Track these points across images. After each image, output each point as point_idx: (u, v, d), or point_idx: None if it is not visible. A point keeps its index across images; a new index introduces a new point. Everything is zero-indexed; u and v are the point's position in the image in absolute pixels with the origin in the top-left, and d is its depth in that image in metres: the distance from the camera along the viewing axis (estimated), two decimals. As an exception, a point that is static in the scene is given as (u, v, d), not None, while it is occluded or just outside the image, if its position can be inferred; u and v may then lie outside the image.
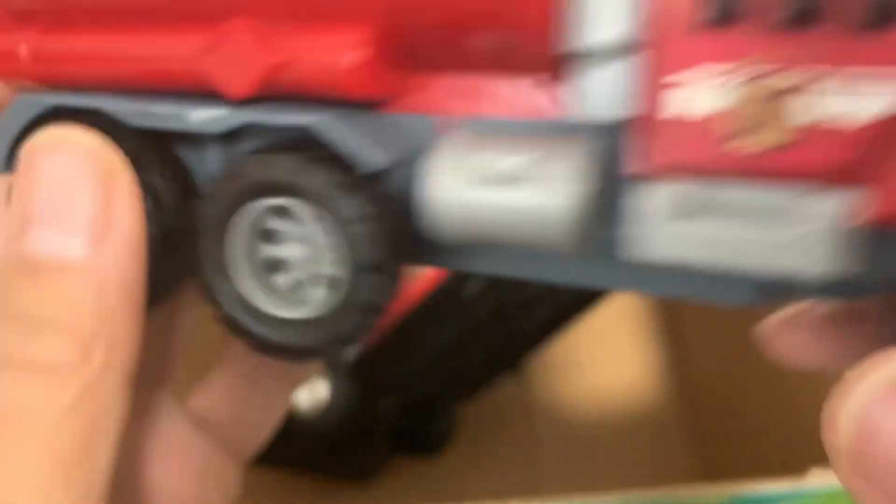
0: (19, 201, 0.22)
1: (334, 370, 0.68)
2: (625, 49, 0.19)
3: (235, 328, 0.24)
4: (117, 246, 0.22)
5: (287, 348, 0.23)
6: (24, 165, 0.23)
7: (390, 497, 0.71)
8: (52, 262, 0.22)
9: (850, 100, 0.18)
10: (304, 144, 0.22)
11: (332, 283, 0.22)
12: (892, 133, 0.18)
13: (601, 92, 0.20)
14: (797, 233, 0.19)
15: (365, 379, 0.68)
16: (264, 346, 0.24)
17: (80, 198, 0.22)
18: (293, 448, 0.72)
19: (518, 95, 0.22)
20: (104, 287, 0.22)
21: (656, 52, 0.19)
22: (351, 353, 0.24)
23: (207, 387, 0.33)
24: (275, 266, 0.24)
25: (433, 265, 0.24)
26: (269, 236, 0.24)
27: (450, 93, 0.22)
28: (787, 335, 0.24)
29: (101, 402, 0.22)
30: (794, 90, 0.18)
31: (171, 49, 0.23)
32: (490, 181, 0.20)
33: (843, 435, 0.19)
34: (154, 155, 0.24)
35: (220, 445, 0.31)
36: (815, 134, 0.18)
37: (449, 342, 0.64)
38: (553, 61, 0.20)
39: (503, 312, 0.62)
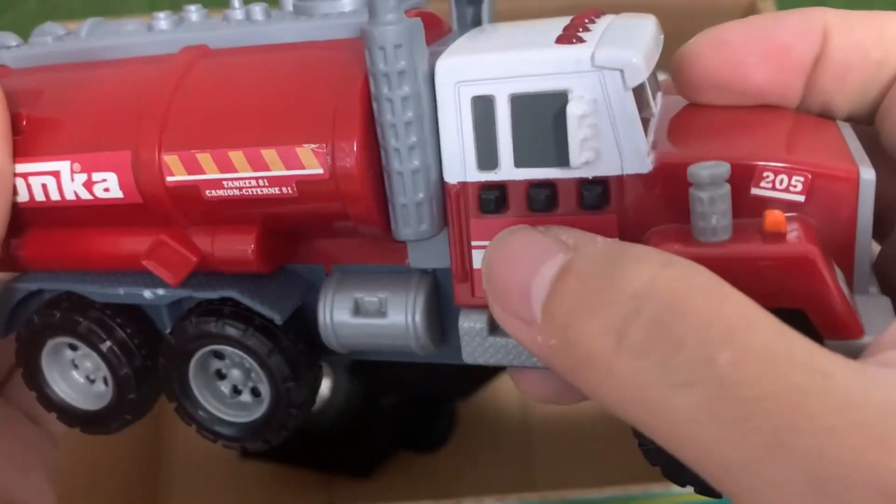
0: None
1: (335, 368, 0.68)
2: (431, 235, 0.29)
3: (207, 433, 0.35)
4: None
5: (245, 441, 0.34)
6: None
7: (390, 492, 0.71)
8: None
9: None
10: (227, 303, 0.32)
11: (267, 395, 0.33)
12: None
13: (423, 253, 0.30)
14: None
15: (365, 376, 0.67)
16: (230, 443, 0.35)
17: None
18: (294, 444, 0.73)
19: (372, 250, 0.31)
20: None
21: (458, 230, 0.29)
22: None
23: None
24: (225, 388, 0.34)
25: (337, 359, 0.34)
26: (219, 371, 0.34)
27: (331, 247, 0.32)
28: (527, 379, 0.32)
29: None
30: None
31: (124, 248, 0.33)
32: (366, 313, 0.31)
33: (483, 280, 0.26)
34: (121, 318, 0.34)
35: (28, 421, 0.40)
36: None
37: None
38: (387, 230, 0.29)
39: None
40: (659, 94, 0.32)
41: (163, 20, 0.33)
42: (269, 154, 0.29)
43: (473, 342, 0.30)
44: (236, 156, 0.29)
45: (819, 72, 0.30)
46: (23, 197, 0.32)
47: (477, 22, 0.33)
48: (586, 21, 0.29)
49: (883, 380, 0.21)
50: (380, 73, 0.27)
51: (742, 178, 0.26)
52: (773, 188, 0.27)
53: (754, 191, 0.27)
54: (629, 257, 0.24)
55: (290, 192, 0.29)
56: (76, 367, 0.37)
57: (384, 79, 0.27)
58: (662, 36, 0.31)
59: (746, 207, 0.26)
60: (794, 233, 0.25)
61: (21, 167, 0.32)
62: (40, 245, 0.34)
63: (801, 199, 0.27)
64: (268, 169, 0.29)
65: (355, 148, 0.28)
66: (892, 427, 0.19)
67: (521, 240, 0.26)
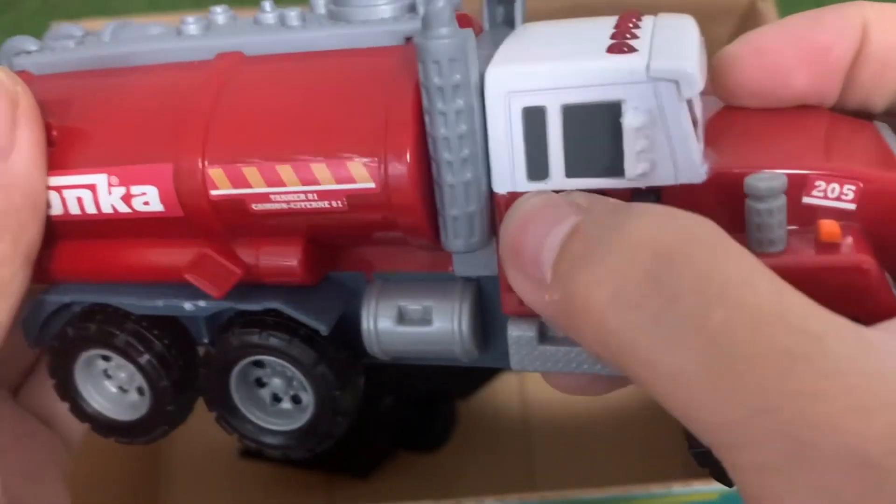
0: None
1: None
2: (482, 246, 0.29)
3: (250, 441, 0.35)
4: (21, 159, 0.30)
5: (288, 449, 0.35)
6: None
7: (390, 492, 0.71)
8: None
9: None
10: (270, 314, 0.32)
11: (311, 403, 0.33)
12: None
13: (469, 262, 0.30)
14: None
15: (365, 376, 0.68)
16: (274, 451, 0.35)
17: None
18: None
19: (415, 257, 0.31)
20: (9, 189, 0.29)
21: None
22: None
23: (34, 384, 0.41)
24: (265, 396, 0.35)
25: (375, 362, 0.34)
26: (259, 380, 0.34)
27: (376, 255, 0.32)
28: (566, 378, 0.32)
29: (6, 275, 0.30)
30: None
31: (163, 260, 0.32)
32: (411, 321, 0.31)
33: (500, 245, 0.26)
34: (158, 330, 0.34)
35: (43, 426, 0.40)
36: None
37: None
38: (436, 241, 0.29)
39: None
40: (698, 97, 0.32)
41: (192, 24, 0.32)
42: (318, 168, 0.28)
43: (523, 350, 0.30)
44: (284, 169, 0.28)
45: (857, 69, 0.30)
46: (56, 210, 0.32)
47: (509, 21, 0.33)
48: (631, 26, 0.29)
49: (879, 347, 0.21)
50: (434, 86, 0.26)
51: (794, 186, 0.26)
52: (825, 197, 0.27)
53: (806, 199, 0.27)
54: (632, 212, 0.24)
55: (340, 205, 0.29)
56: (109, 377, 0.36)
57: (438, 93, 0.26)
58: (703, 38, 0.31)
59: (798, 216, 0.27)
60: (847, 242, 0.25)
61: (54, 180, 0.31)
62: (74, 257, 0.33)
63: (853, 207, 0.27)
64: (317, 183, 0.28)
65: (408, 161, 0.27)
66: (875, 395, 0.20)
67: (537, 203, 0.26)
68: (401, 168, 0.27)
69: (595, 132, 0.27)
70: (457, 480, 0.72)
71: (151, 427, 0.36)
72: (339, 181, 0.28)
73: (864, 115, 0.31)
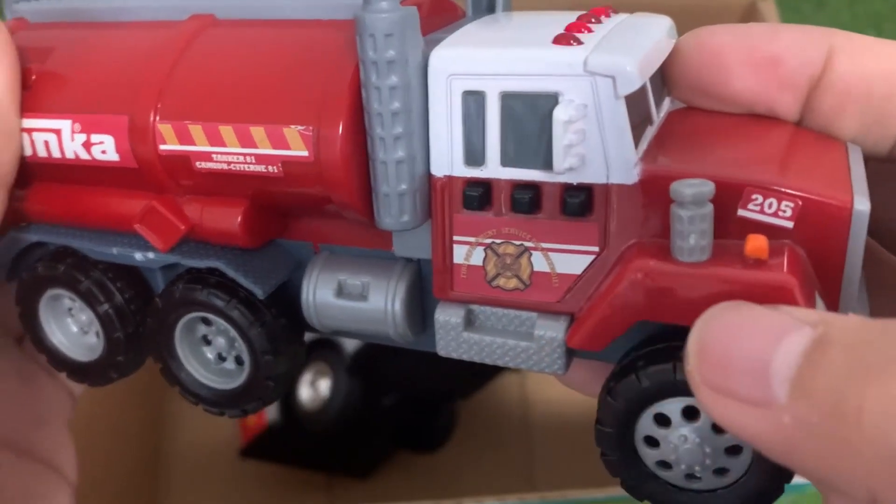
0: None
1: (335, 368, 0.68)
2: (413, 226, 0.29)
3: (190, 396, 0.35)
4: None
5: (223, 408, 0.35)
6: None
7: (390, 492, 0.72)
8: None
9: (559, 260, 0.28)
10: (214, 273, 0.33)
11: (246, 365, 0.33)
12: (587, 285, 0.27)
13: (408, 242, 0.30)
14: (535, 346, 0.29)
15: (365, 376, 0.68)
16: (209, 407, 0.35)
17: None
18: (295, 444, 0.73)
19: (360, 233, 0.31)
20: None
21: (441, 224, 0.29)
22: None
23: None
24: (210, 354, 0.35)
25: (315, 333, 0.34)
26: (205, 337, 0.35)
27: (322, 226, 0.32)
28: (571, 374, 0.31)
29: None
30: (522, 252, 0.28)
31: (119, 209, 0.33)
32: (349, 295, 0.32)
33: (689, 359, 0.23)
34: (121, 283, 0.35)
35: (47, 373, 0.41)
36: (538, 280, 0.28)
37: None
38: (370, 218, 0.29)
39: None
40: (667, 100, 0.31)
41: None
42: (257, 131, 0.29)
43: (448, 336, 0.30)
44: (226, 130, 0.29)
45: (819, 93, 0.29)
46: (27, 151, 0.33)
47: (491, 8, 0.33)
48: (593, 20, 0.28)
49: None
50: (369, 60, 0.26)
51: (729, 197, 0.26)
52: (761, 212, 0.26)
53: (741, 212, 0.26)
54: None
55: (276, 171, 0.29)
56: (72, 316, 0.37)
57: (373, 67, 0.26)
58: (675, 40, 0.30)
59: (732, 228, 0.26)
60: (775, 260, 0.25)
61: (27, 122, 0.33)
62: (42, 199, 0.35)
63: (790, 225, 0.26)
64: (255, 146, 0.29)
65: (340, 133, 0.28)
66: None
67: (748, 314, 0.23)
68: (332, 140, 0.28)
69: (530, 122, 0.27)
70: (457, 480, 0.73)
71: (102, 372, 0.37)
72: (275, 146, 0.29)
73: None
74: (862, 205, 0.25)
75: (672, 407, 0.27)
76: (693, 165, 0.27)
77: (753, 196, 0.26)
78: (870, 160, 0.30)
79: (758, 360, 0.22)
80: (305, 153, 0.28)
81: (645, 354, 0.27)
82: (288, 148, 0.28)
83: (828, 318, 0.22)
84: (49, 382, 0.41)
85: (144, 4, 0.34)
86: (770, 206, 0.26)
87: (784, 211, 0.26)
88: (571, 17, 0.29)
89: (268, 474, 0.74)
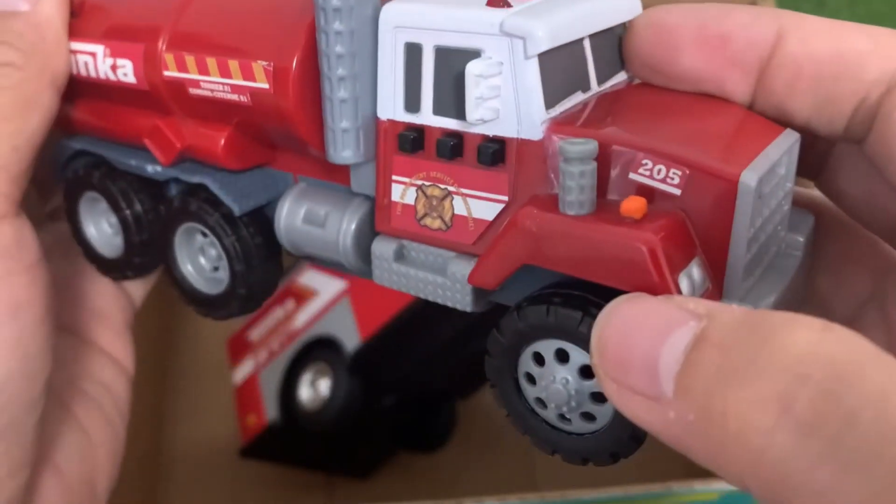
0: None
1: (335, 368, 0.68)
2: (355, 162, 0.32)
3: (184, 297, 0.40)
4: (48, 6, 0.37)
5: (207, 310, 0.40)
6: None
7: (390, 493, 0.72)
8: (9, 12, 0.36)
9: (475, 206, 0.30)
10: (206, 190, 0.37)
11: (225, 275, 0.38)
12: (496, 228, 0.30)
13: (362, 179, 0.33)
14: (447, 282, 0.31)
15: (365, 376, 0.68)
16: (201, 307, 0.40)
17: None
18: (295, 444, 0.73)
19: (328, 169, 0.34)
20: (38, 26, 0.36)
21: (383, 163, 0.32)
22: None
23: None
24: (205, 262, 0.40)
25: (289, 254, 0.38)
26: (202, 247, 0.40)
27: (298, 159, 0.36)
28: None
29: (35, 88, 0.36)
30: (445, 195, 0.31)
31: (135, 125, 0.38)
32: (311, 222, 0.35)
33: (592, 352, 0.25)
34: (142, 192, 0.40)
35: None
36: (457, 223, 0.31)
37: (448, 338, 0.65)
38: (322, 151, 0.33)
39: (502, 309, 0.63)
40: (622, 74, 0.33)
41: None
42: (233, 64, 0.33)
43: (382, 266, 0.33)
44: (211, 61, 0.34)
45: (770, 73, 0.30)
46: (73, 70, 0.39)
47: None
48: None
49: None
50: (318, 6, 0.30)
51: (624, 161, 0.28)
52: (651, 177, 0.27)
53: (632, 175, 0.28)
54: (778, 322, 0.22)
55: (246, 100, 0.33)
56: (104, 216, 0.43)
57: (321, 12, 0.30)
58: (633, 14, 0.32)
59: (626, 190, 0.28)
60: (649, 222, 0.26)
61: (73, 44, 0.38)
62: (82, 112, 0.41)
63: (677, 192, 0.27)
64: (230, 77, 0.33)
65: (292, 69, 0.31)
66: None
67: (641, 308, 0.24)
68: (286, 73, 0.31)
69: (456, 75, 0.29)
70: (457, 480, 0.73)
71: (121, 269, 0.43)
72: (245, 78, 0.33)
73: (784, 123, 0.30)
74: (750, 179, 0.26)
75: (547, 347, 0.29)
76: (596, 128, 0.29)
77: (644, 161, 0.28)
78: (827, 140, 0.31)
79: (649, 356, 0.23)
80: (266, 86, 0.32)
81: (529, 297, 0.29)
82: (254, 80, 0.32)
83: (713, 310, 0.23)
84: (110, 285, 0.45)
85: None
86: (659, 171, 0.27)
87: (672, 178, 0.27)
88: None
89: (268, 474, 0.74)
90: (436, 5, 0.30)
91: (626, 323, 0.24)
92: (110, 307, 0.45)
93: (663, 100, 0.31)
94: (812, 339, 0.21)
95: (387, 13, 0.30)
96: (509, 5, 0.29)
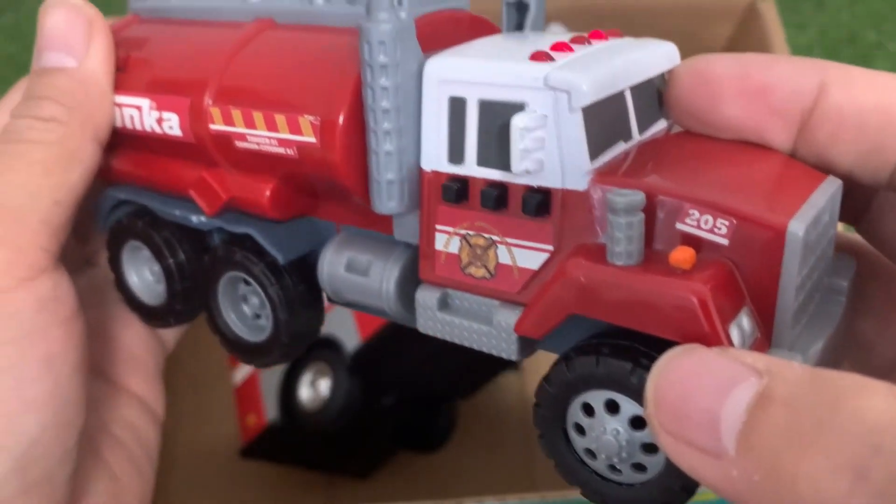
0: (38, 40, 0.38)
1: (335, 368, 0.68)
2: (399, 212, 0.32)
3: (226, 345, 0.41)
4: (93, 61, 0.38)
5: (250, 358, 0.40)
6: (39, 18, 0.38)
7: (390, 493, 0.72)
8: (55, 69, 0.37)
9: (520, 255, 0.30)
10: (250, 239, 0.38)
11: (268, 323, 0.39)
12: (542, 280, 0.30)
13: (404, 228, 0.34)
14: (493, 330, 0.31)
15: (366, 376, 0.68)
16: (243, 355, 0.41)
17: (73, 34, 0.38)
18: (295, 444, 0.73)
19: (371, 218, 0.34)
20: (84, 82, 0.38)
21: (426, 213, 0.32)
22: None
23: None
24: (247, 310, 0.40)
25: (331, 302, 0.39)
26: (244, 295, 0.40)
27: (341, 208, 0.37)
28: None
29: (76, 143, 0.37)
30: (490, 245, 0.31)
31: (179, 176, 0.39)
32: (354, 270, 0.36)
33: (647, 404, 0.25)
34: (185, 241, 0.41)
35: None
36: (502, 272, 0.31)
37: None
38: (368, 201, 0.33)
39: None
40: (662, 121, 0.33)
41: None
42: (279, 119, 0.33)
43: (426, 314, 0.33)
44: (258, 115, 0.34)
45: (813, 124, 0.30)
46: (118, 122, 0.39)
47: (520, 27, 0.36)
48: (584, 42, 0.31)
49: None
50: (365, 63, 0.30)
51: (670, 211, 0.28)
52: (698, 227, 0.27)
53: (679, 225, 0.28)
54: (848, 386, 0.22)
55: (293, 154, 0.33)
56: (147, 265, 0.44)
57: (368, 69, 0.30)
58: (674, 64, 0.32)
59: (674, 240, 0.28)
60: (699, 273, 0.26)
61: (119, 98, 0.39)
62: (126, 163, 0.41)
63: (725, 242, 0.27)
64: (277, 131, 0.34)
65: (339, 123, 0.32)
66: None
67: (698, 361, 0.24)
68: (333, 128, 0.32)
69: (500, 128, 0.30)
70: (457, 480, 0.73)
71: (163, 317, 0.43)
72: (292, 132, 0.33)
73: (826, 171, 0.30)
74: (797, 228, 0.26)
75: (596, 398, 0.29)
76: (641, 178, 0.29)
77: (691, 211, 0.28)
78: (871, 189, 0.31)
79: (709, 411, 0.23)
80: (313, 139, 0.32)
81: (577, 347, 0.29)
82: (301, 134, 0.33)
83: (773, 366, 0.23)
84: (144, 330, 0.46)
85: (222, 6, 0.40)
86: (706, 222, 0.27)
87: (719, 228, 0.27)
88: (564, 36, 0.32)
89: (268, 474, 0.74)
90: (479, 59, 0.30)
91: (683, 376, 0.24)
92: (143, 352, 0.45)
93: (704, 147, 0.31)
94: (884, 406, 0.21)
95: (431, 68, 0.31)
96: (552, 58, 0.29)
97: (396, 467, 0.74)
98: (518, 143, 0.28)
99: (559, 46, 0.30)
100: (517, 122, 0.28)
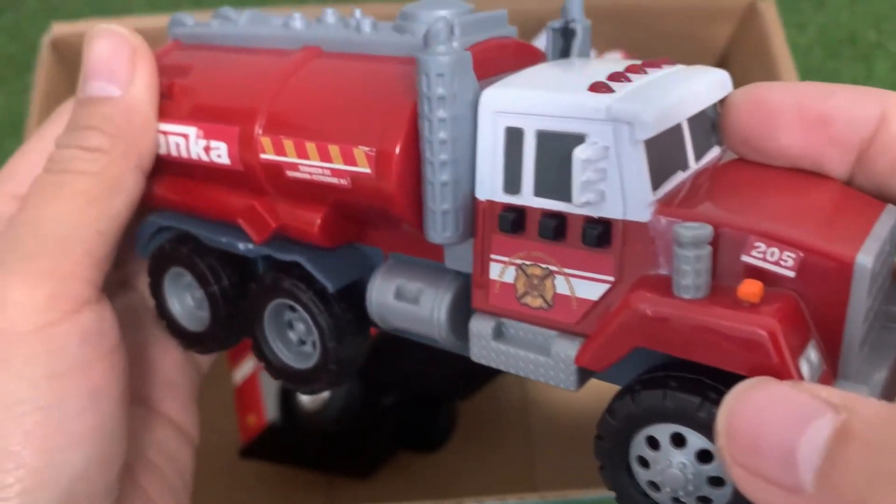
0: (82, 68, 0.38)
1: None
2: (454, 242, 0.32)
3: (272, 371, 0.40)
4: (138, 90, 0.38)
5: (297, 384, 0.40)
6: (84, 47, 0.38)
7: (391, 493, 0.72)
8: (100, 98, 0.37)
9: (579, 286, 0.30)
10: (298, 267, 0.37)
11: (317, 350, 0.38)
12: (602, 310, 0.30)
13: (456, 256, 0.34)
14: (552, 361, 0.31)
15: (365, 376, 0.68)
16: (290, 381, 0.40)
17: (117, 63, 0.38)
18: (295, 444, 0.73)
19: (421, 245, 0.34)
20: (128, 111, 0.37)
21: (481, 242, 0.32)
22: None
23: None
24: (293, 336, 0.40)
25: (378, 329, 0.38)
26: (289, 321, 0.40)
27: (389, 235, 0.36)
28: None
29: (120, 172, 0.36)
30: (547, 275, 0.31)
31: (227, 204, 0.38)
32: (404, 298, 0.35)
33: (719, 437, 0.24)
34: (228, 268, 0.41)
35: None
36: (559, 302, 0.31)
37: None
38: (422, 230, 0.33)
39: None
40: (716, 149, 0.33)
41: (298, 20, 0.39)
42: (333, 149, 0.33)
43: (480, 343, 0.33)
44: (310, 146, 0.34)
45: (872, 153, 0.30)
46: (162, 149, 0.39)
47: (566, 53, 0.36)
48: (640, 71, 0.31)
49: None
50: (423, 95, 0.30)
51: (735, 243, 0.27)
52: (764, 259, 0.27)
53: (744, 258, 0.27)
54: None
55: (346, 183, 0.33)
56: (189, 291, 0.43)
57: (426, 101, 0.30)
58: (727, 91, 0.32)
59: (739, 272, 0.27)
60: (766, 306, 0.26)
61: (164, 125, 0.39)
62: (170, 190, 0.41)
63: (791, 274, 0.27)
64: (331, 161, 0.33)
65: (396, 155, 0.31)
66: None
67: (773, 395, 0.24)
68: (389, 159, 0.31)
69: (560, 159, 0.29)
70: (457, 480, 0.72)
71: (205, 343, 0.43)
72: (346, 163, 0.33)
73: (885, 200, 0.30)
74: (865, 260, 0.26)
75: (662, 431, 0.28)
76: (704, 210, 0.28)
77: (756, 244, 0.27)
78: None
79: (784, 446, 0.22)
80: (368, 170, 0.32)
81: (642, 380, 0.29)
82: (355, 165, 0.33)
83: (849, 402, 0.23)
84: (180, 354, 0.45)
85: (267, 33, 0.39)
86: (772, 254, 0.27)
87: (786, 261, 0.27)
88: (619, 65, 0.32)
89: (268, 474, 0.74)
90: (536, 90, 0.30)
91: (757, 409, 0.23)
92: (179, 377, 0.45)
93: (761, 176, 0.31)
94: None
95: (487, 98, 0.30)
96: (611, 89, 0.29)
97: (396, 467, 0.74)
98: (580, 175, 0.28)
99: (616, 76, 0.30)
100: (579, 153, 0.28)
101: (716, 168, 0.32)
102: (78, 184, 0.35)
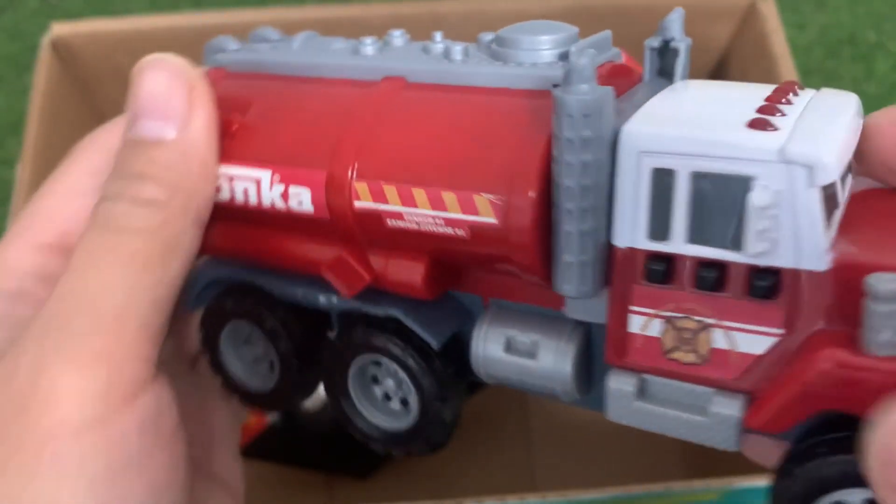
0: (132, 104, 0.32)
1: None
2: (591, 295, 0.28)
3: (358, 433, 0.37)
4: (196, 132, 0.32)
5: (389, 446, 0.37)
6: (134, 80, 0.32)
7: (390, 493, 0.71)
8: (153, 141, 0.32)
9: (741, 339, 0.27)
10: (391, 321, 0.33)
11: (415, 408, 0.34)
12: (767, 366, 0.27)
13: (581, 306, 0.30)
14: (709, 421, 0.28)
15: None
16: (376, 444, 0.37)
17: (174, 100, 0.32)
18: (293, 445, 0.73)
19: (530, 291, 0.31)
20: (186, 156, 0.32)
21: (619, 293, 0.28)
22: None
23: None
24: (378, 392, 0.36)
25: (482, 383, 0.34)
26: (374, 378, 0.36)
27: (491, 281, 0.33)
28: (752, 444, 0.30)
29: (178, 229, 0.31)
30: (702, 328, 0.28)
31: (308, 255, 0.34)
32: (517, 352, 0.32)
33: (872, 461, 0.23)
34: (301, 323, 0.37)
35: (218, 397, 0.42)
36: (716, 357, 0.28)
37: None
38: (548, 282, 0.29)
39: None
40: (849, 178, 0.30)
41: (369, 45, 0.34)
42: (448, 196, 0.29)
43: (620, 403, 0.30)
44: (419, 193, 0.30)
45: None
46: (225, 195, 0.34)
47: (667, 74, 0.33)
48: (784, 101, 0.28)
49: None
50: (564, 138, 0.26)
51: None
52: None
53: None
54: None
55: (463, 234, 0.29)
56: (249, 347, 0.39)
57: (568, 144, 0.26)
58: (862, 120, 0.29)
59: None
60: None
61: (228, 169, 0.34)
62: (235, 237, 0.36)
63: None
64: (445, 210, 0.29)
65: (531, 205, 0.28)
66: None
67: None
68: (523, 210, 0.28)
69: (722, 203, 0.26)
70: (457, 480, 0.72)
71: (271, 402, 0.39)
72: (464, 212, 0.29)
73: None
74: None
75: (853, 498, 0.27)
76: (888, 255, 0.26)
77: None
78: None
79: None
80: (494, 220, 0.28)
81: (828, 441, 0.26)
82: (477, 214, 0.29)
83: None
84: (220, 405, 0.41)
85: (338, 62, 0.34)
86: None
87: None
88: (758, 92, 0.29)
89: (268, 474, 0.74)
90: (688, 128, 0.27)
91: None
92: (225, 430, 0.41)
93: None
94: None
95: (629, 137, 0.27)
96: (774, 127, 0.26)
97: (396, 467, 0.74)
98: (756, 223, 0.25)
99: (769, 110, 0.27)
100: (755, 200, 0.25)
101: (865, 203, 0.29)
102: (132, 245, 0.30)
